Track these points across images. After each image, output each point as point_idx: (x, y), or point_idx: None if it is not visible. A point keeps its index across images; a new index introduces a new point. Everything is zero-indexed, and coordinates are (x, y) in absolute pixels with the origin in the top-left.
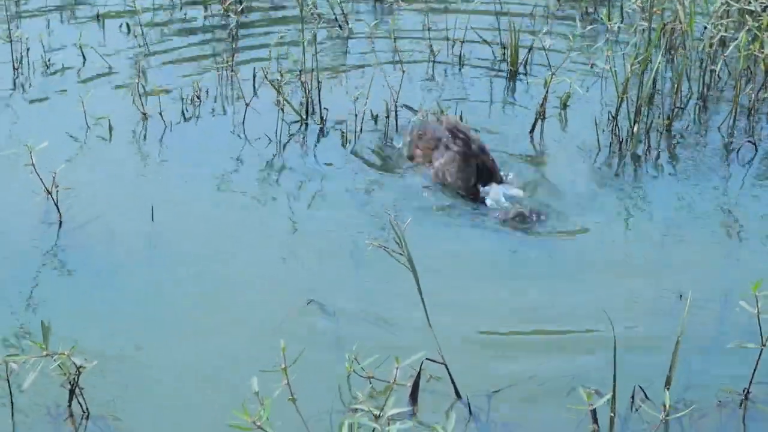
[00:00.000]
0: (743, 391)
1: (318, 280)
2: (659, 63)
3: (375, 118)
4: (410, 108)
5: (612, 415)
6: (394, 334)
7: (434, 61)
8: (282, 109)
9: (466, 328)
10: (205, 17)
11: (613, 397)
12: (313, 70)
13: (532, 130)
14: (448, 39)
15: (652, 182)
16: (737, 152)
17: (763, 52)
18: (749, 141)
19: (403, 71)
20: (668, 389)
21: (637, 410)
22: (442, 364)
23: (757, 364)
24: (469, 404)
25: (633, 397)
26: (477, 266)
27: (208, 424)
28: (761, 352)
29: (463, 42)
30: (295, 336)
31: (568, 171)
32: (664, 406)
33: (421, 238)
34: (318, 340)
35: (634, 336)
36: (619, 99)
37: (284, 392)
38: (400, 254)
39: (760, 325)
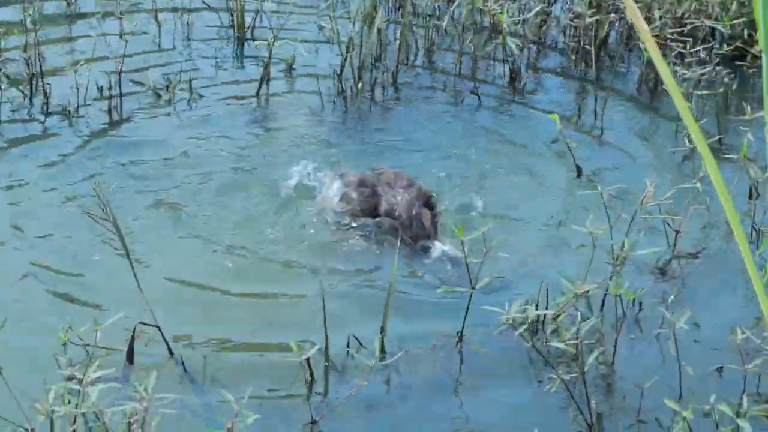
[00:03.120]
0: (457, 334)
1: (36, 253)
2: (381, 19)
3: (100, 90)
4: (138, 82)
5: (326, 364)
6: (109, 300)
7: (160, 32)
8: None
9: (179, 291)
10: None
11: (326, 347)
12: (36, 45)
13: (257, 93)
14: (176, 10)
15: (378, 136)
16: (462, 103)
17: (487, 6)
18: (473, 92)
19: (126, 41)
20: (382, 337)
21: (352, 358)
22: (155, 326)
23: (468, 306)
24: (183, 363)
25: (348, 345)
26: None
27: None
28: (471, 294)
29: (190, 10)
30: (11, 308)
31: (293, 130)
32: (378, 352)
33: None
34: (35, 312)
35: (349, 285)
36: (343, 58)
37: None
38: (106, 219)
39: (468, 268)
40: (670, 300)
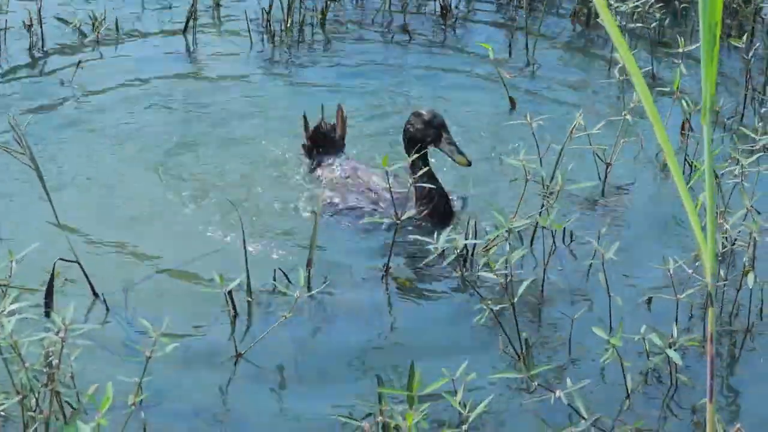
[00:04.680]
0: (383, 266)
1: None
2: None
3: (27, 29)
4: (63, 20)
5: (249, 300)
6: (27, 237)
7: None
8: None
9: (100, 227)
10: None
11: (248, 282)
12: None
13: (183, 31)
14: None
15: (306, 75)
16: (392, 40)
17: None
18: (403, 29)
19: None
20: (309, 270)
21: (284, 294)
22: (75, 263)
23: (393, 240)
24: (104, 299)
25: (274, 279)
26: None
27: None
28: (396, 227)
29: None
30: None
31: (219, 69)
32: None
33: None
34: None
35: (275, 220)
36: None
37: None
38: (22, 153)
39: (393, 197)
40: (602, 232)
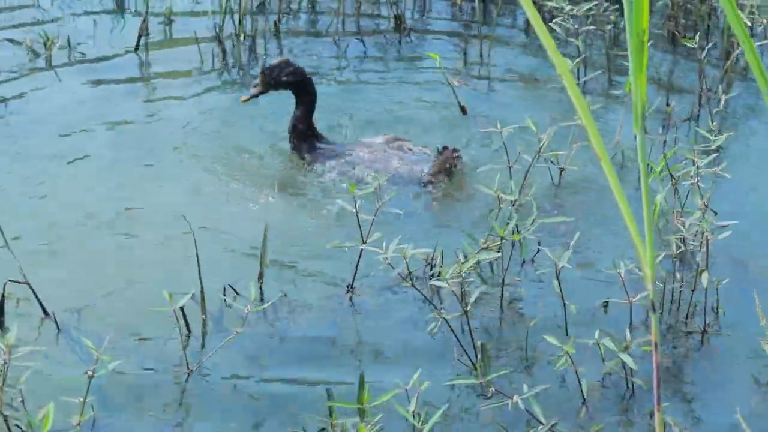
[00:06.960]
0: (347, 285)
1: None
2: None
3: None
4: (13, 40)
5: (204, 317)
6: None
7: None
8: None
9: (48, 246)
10: None
11: (202, 297)
12: None
13: (136, 48)
14: None
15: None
16: (346, 52)
17: None
18: (358, 39)
19: None
20: (261, 283)
21: (230, 307)
22: (25, 284)
23: (358, 261)
24: (56, 321)
25: (225, 294)
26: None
27: None
28: (361, 251)
29: None
30: None
31: (170, 89)
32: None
33: None
34: None
35: (227, 232)
36: (223, 10)
37: None
38: None
39: (359, 222)
40: (562, 239)
